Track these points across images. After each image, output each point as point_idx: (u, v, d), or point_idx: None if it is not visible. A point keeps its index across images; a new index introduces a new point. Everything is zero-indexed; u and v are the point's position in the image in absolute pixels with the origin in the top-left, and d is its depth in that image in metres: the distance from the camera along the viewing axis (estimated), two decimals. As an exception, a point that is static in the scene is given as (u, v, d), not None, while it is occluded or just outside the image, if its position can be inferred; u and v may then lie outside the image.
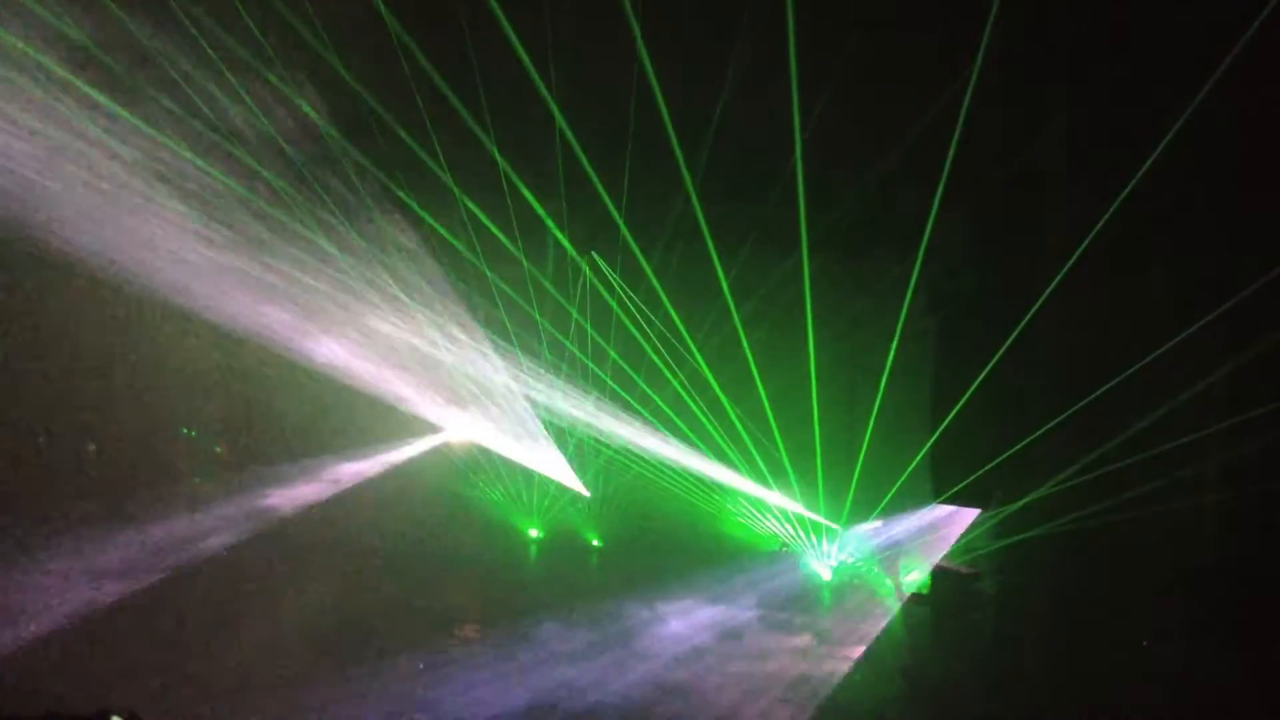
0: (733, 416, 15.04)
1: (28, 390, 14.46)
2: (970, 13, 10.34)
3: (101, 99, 11.55)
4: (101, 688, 10.09)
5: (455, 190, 13.98)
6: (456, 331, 15.78)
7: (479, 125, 12.77)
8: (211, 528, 15.75)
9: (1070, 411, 11.03)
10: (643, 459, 16.11)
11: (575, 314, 15.61)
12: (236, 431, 16.98)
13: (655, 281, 14.49)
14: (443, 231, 14.67)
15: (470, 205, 14.21)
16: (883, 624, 13.51)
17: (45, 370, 14.39)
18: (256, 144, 12.88)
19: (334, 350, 15.93)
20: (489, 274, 15.14)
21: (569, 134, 12.95)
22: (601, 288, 15.32)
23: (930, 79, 11.30)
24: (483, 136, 12.80)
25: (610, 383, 15.86)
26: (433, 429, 18.13)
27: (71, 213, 12.63)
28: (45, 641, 11.36)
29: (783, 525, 15.94)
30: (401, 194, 14.00)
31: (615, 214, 13.68)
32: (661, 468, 16.06)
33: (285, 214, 13.68)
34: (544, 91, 12.29)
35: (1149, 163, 9.68)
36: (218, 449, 17.03)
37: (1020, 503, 12.03)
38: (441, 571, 15.10)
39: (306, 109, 12.48)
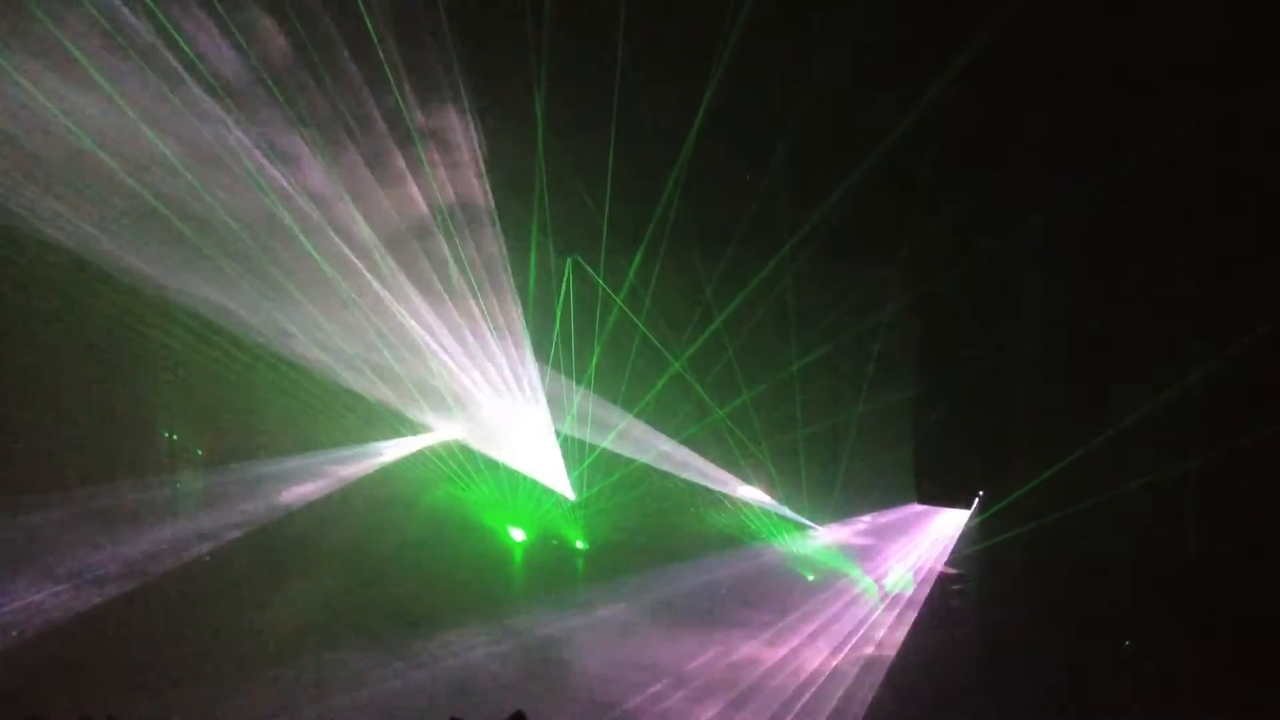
0: (717, 418, 15.04)
1: (3, 391, 14.32)
2: (952, 17, 10.40)
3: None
4: (82, 692, 10.04)
5: (437, 194, 13.96)
6: (437, 332, 15.71)
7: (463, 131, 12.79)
8: (191, 532, 15.65)
9: (1052, 413, 11.07)
10: (627, 462, 16.08)
11: (558, 317, 15.57)
12: (216, 433, 16.84)
13: (638, 284, 14.50)
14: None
15: (453, 206, 14.20)
16: (868, 628, 13.54)
17: (23, 371, 14.26)
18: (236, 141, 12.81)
19: (315, 349, 15.82)
20: (469, 274, 15.09)
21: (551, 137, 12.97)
22: (584, 291, 15.31)
23: (912, 83, 11.32)
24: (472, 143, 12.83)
25: (594, 387, 15.82)
26: (417, 429, 18.04)
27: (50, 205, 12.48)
28: (25, 645, 11.28)
29: (766, 526, 15.94)
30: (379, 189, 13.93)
31: (598, 217, 13.68)
32: (646, 471, 16.03)
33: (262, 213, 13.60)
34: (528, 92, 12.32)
35: (1129, 165, 9.73)
36: (199, 452, 16.92)
37: (1003, 504, 12.06)
38: (421, 579, 15.03)
39: (287, 107, 12.41)
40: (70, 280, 12.74)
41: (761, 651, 12.87)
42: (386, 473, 17.18)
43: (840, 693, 11.68)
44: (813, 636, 13.32)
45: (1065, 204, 10.53)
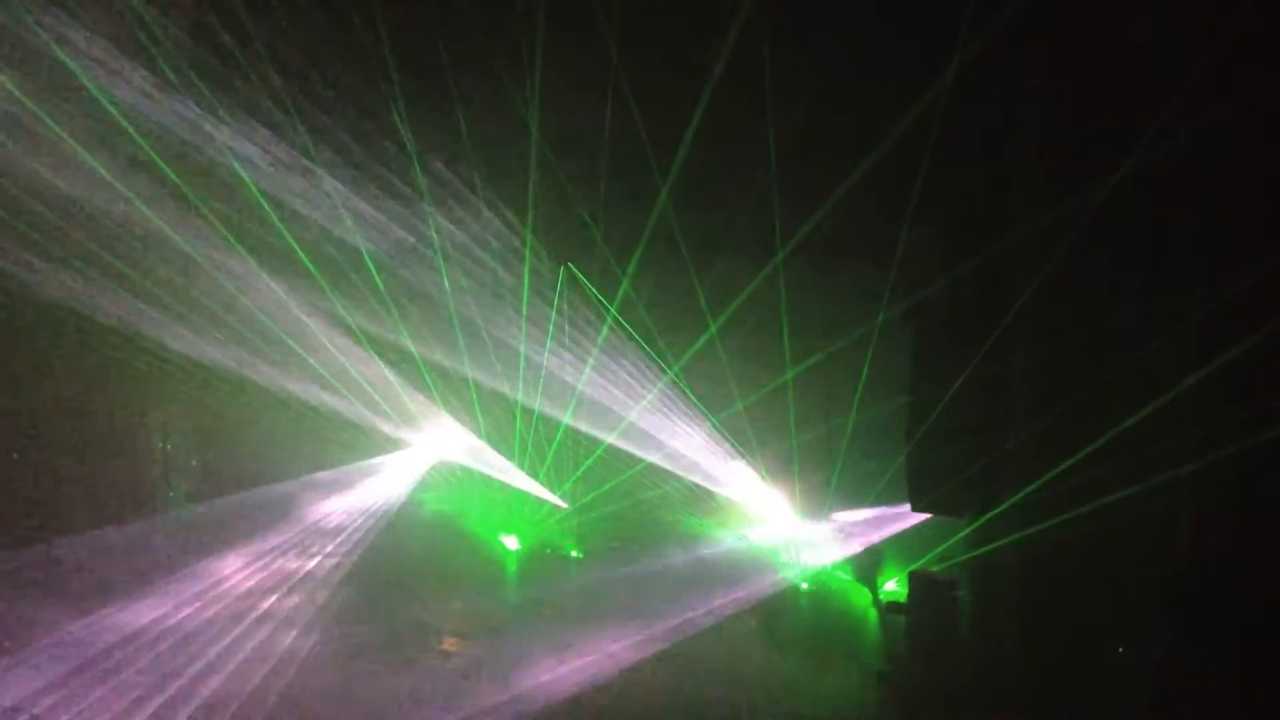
0: (711, 425, 15.06)
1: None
2: (946, 22, 10.44)
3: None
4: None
5: (428, 203, 13.97)
6: (432, 345, 15.72)
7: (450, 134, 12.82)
8: (188, 548, 15.57)
9: (1046, 419, 11.08)
10: (620, 469, 16.06)
11: (551, 324, 15.58)
12: (210, 450, 16.82)
13: (632, 290, 14.52)
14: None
15: (442, 216, 14.21)
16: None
17: (15, 388, 14.17)
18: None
19: (311, 365, 15.82)
20: (464, 283, 15.10)
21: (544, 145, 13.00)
22: (577, 298, 15.33)
23: (906, 87, 11.38)
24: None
25: (586, 394, 15.83)
26: (409, 445, 18.04)
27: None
28: (16, 669, 11.21)
29: (760, 533, 15.94)
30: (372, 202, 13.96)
31: (591, 223, 13.72)
32: (640, 478, 16.03)
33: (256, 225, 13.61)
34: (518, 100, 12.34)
35: (1123, 172, 9.77)
36: (193, 462, 16.87)
37: (997, 510, 12.05)
38: (417, 588, 14.99)
39: (277, 115, 12.41)
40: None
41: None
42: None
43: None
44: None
45: (1060, 207, 10.55)
